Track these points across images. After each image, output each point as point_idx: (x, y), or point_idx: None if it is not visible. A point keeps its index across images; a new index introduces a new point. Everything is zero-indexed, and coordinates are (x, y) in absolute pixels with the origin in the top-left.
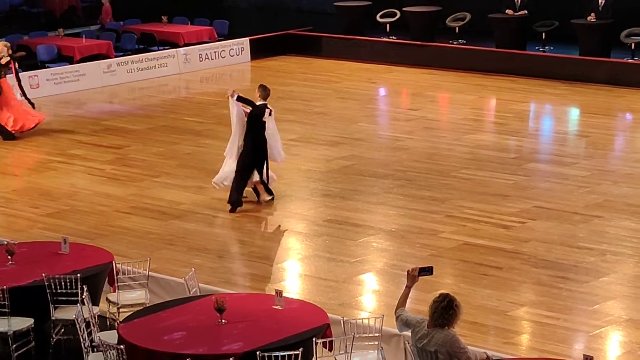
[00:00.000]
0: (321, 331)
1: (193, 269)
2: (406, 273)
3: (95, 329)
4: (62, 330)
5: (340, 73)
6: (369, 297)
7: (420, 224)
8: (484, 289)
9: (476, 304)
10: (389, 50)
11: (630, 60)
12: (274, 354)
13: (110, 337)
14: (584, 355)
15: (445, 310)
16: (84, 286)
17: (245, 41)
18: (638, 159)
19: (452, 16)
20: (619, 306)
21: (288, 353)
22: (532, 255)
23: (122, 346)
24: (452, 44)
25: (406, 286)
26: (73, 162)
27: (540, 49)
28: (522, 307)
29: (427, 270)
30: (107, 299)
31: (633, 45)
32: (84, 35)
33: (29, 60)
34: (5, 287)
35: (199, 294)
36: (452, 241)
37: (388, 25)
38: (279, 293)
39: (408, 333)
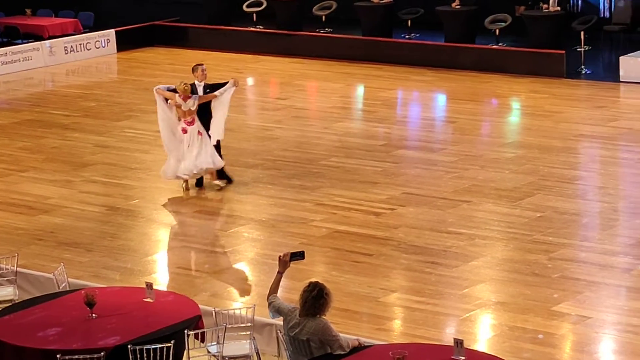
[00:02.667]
0: (193, 323)
1: (62, 264)
2: (278, 259)
3: None
4: None
5: (208, 63)
6: (241, 287)
7: (291, 212)
8: (355, 276)
9: (348, 291)
10: (256, 40)
11: (494, 46)
12: (145, 347)
13: None
14: (455, 339)
15: (315, 299)
16: None
17: (111, 33)
18: (504, 143)
19: (318, 5)
20: (488, 289)
21: (160, 345)
22: (402, 242)
23: None
24: (318, 32)
25: (278, 272)
26: None
27: (406, 36)
28: (393, 293)
29: (298, 255)
30: None
31: (497, 31)
32: None
33: None
34: None
35: (68, 289)
36: (322, 229)
37: (255, 15)
38: (149, 286)
39: (280, 322)
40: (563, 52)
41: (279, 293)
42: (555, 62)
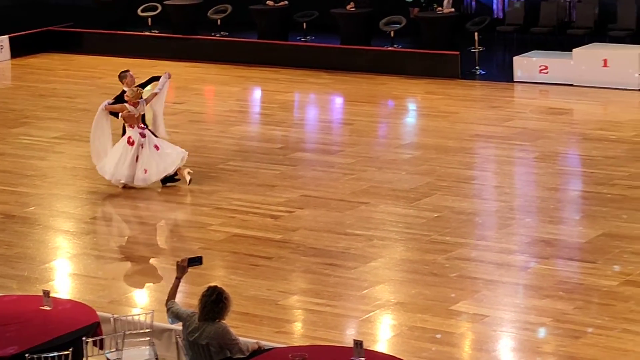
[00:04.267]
0: (91, 330)
1: None
2: (176, 264)
3: None
4: None
5: (104, 69)
6: (139, 293)
7: (189, 217)
8: (254, 280)
9: (247, 294)
10: (151, 44)
11: (390, 48)
12: (43, 355)
13: None
14: (354, 340)
15: (214, 303)
16: None
17: (4, 39)
18: (400, 144)
19: (213, 8)
20: (387, 290)
21: (58, 354)
22: (301, 244)
23: None
24: (214, 36)
25: (176, 277)
26: None
27: (302, 39)
28: (292, 296)
29: (196, 261)
30: None
31: (392, 33)
32: None
33: None
34: None
35: None
36: (221, 233)
37: (150, 19)
38: (46, 293)
39: (179, 327)
40: (457, 53)
41: (178, 298)
42: (450, 63)
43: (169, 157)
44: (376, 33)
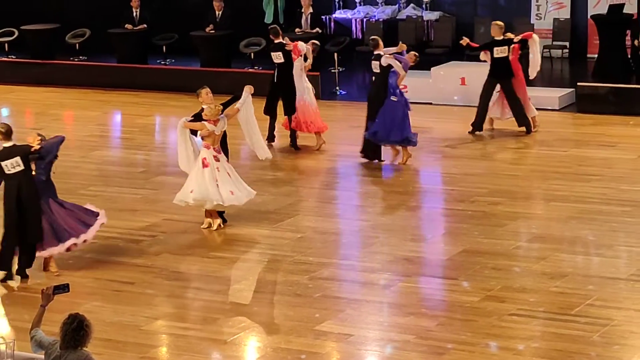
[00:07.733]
0: None
1: None
2: (41, 292)
3: None
4: None
5: None
6: (1, 323)
7: None
8: (117, 305)
9: (110, 321)
10: (8, 70)
11: (250, 70)
12: None
13: None
14: None
15: (75, 331)
16: None
17: None
18: (263, 166)
19: (71, 33)
20: (251, 312)
21: None
22: (164, 268)
23: None
24: (73, 60)
25: (41, 305)
26: None
27: (162, 62)
28: (156, 321)
29: (62, 288)
30: None
31: (252, 54)
32: None
33: None
34: None
35: None
36: (82, 259)
37: (6, 44)
38: None
39: (42, 356)
40: (318, 73)
41: (43, 328)
42: (310, 83)
43: (242, 189)
44: (236, 55)
